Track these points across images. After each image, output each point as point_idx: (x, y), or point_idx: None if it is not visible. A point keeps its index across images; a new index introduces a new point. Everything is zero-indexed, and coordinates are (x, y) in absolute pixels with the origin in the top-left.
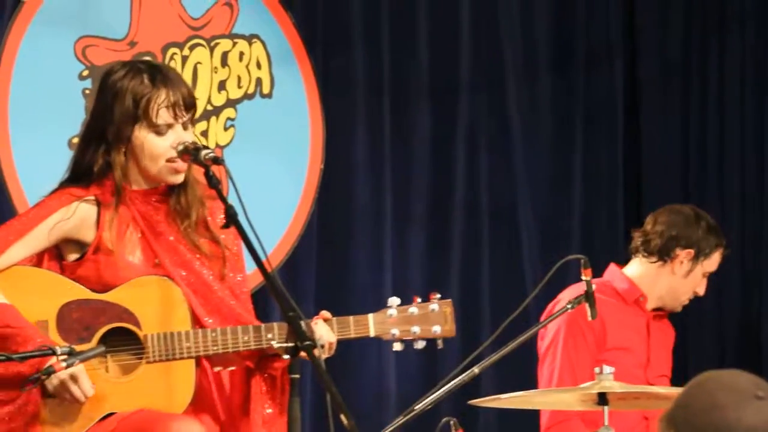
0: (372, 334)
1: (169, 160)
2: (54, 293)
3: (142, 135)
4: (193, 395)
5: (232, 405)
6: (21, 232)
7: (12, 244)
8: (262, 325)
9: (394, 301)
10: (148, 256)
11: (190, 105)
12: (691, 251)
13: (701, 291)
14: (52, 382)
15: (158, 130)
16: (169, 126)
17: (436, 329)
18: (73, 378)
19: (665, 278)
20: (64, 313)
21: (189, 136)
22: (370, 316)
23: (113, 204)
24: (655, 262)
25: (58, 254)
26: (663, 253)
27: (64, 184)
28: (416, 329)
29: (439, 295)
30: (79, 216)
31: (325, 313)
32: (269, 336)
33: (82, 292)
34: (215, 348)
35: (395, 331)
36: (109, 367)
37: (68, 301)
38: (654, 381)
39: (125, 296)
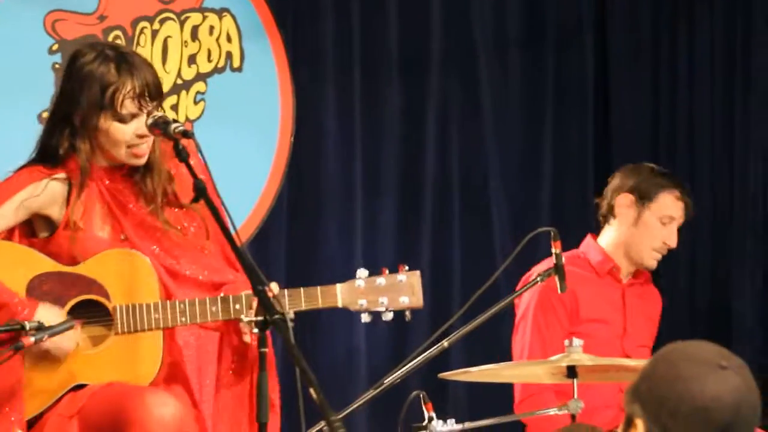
0: (340, 304)
1: (129, 146)
2: (24, 265)
3: (107, 123)
4: (160, 366)
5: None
6: None
7: None
8: (231, 296)
9: (362, 272)
10: (117, 231)
11: (156, 94)
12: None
13: (670, 241)
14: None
15: (122, 119)
16: (134, 116)
17: (404, 300)
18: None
19: (619, 234)
20: (34, 284)
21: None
22: (338, 286)
23: (81, 180)
24: (610, 223)
25: (29, 231)
26: (610, 209)
27: (33, 162)
28: (384, 300)
29: (407, 267)
30: (49, 192)
31: (274, 286)
32: (237, 306)
33: (52, 265)
34: (183, 320)
35: (363, 302)
36: (79, 339)
37: (38, 274)
38: (632, 352)
39: (94, 268)
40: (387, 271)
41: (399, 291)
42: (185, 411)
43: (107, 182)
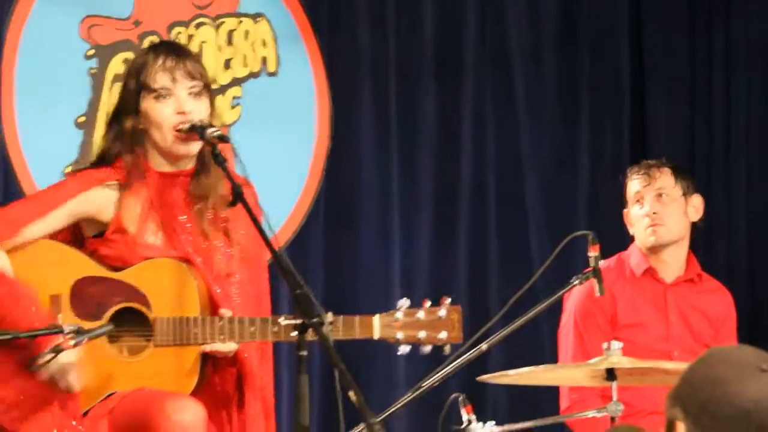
0: (376, 336)
1: (176, 129)
2: (69, 268)
3: (146, 104)
4: (197, 381)
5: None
6: (40, 211)
7: (30, 223)
8: (270, 318)
9: (403, 303)
10: (168, 238)
11: (194, 72)
12: (625, 209)
13: (650, 209)
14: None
15: (158, 95)
16: (168, 91)
17: (443, 335)
18: (63, 371)
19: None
20: (78, 288)
21: (194, 105)
22: (376, 318)
23: (132, 185)
24: None
25: (77, 230)
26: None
27: (86, 167)
28: (422, 334)
29: (449, 300)
30: (99, 199)
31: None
32: (275, 329)
33: (97, 269)
34: (222, 337)
35: (400, 335)
36: (118, 347)
37: (83, 277)
38: (679, 354)
39: (139, 276)
40: (428, 304)
41: (438, 326)
42: (205, 416)
43: (160, 188)
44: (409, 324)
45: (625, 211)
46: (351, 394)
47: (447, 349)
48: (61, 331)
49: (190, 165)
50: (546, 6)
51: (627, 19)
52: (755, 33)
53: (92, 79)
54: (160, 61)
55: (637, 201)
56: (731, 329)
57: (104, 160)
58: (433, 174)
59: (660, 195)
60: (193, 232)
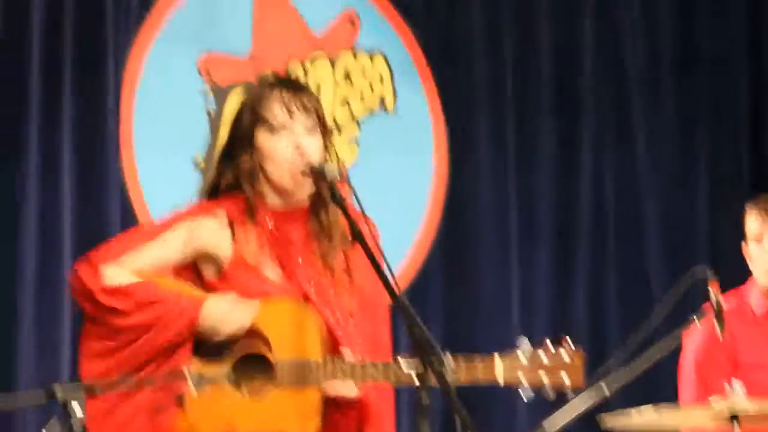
0: (501, 381)
1: (293, 163)
2: None
3: (262, 138)
4: (320, 424)
5: None
6: (151, 234)
7: (141, 245)
8: (396, 365)
9: (524, 342)
10: (287, 276)
11: (310, 107)
12: (744, 243)
13: (766, 253)
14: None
15: (273, 129)
16: (285, 126)
17: (566, 379)
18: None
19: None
20: None
21: (310, 140)
22: (497, 359)
23: (246, 219)
24: None
25: (196, 274)
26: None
27: (197, 199)
28: (545, 378)
29: (570, 343)
30: (210, 230)
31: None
32: (395, 373)
33: None
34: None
35: (524, 378)
36: (242, 388)
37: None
38: None
39: (260, 317)
40: (549, 344)
41: (561, 369)
42: None
43: (277, 224)
44: (532, 366)
45: (744, 245)
46: None
47: (571, 395)
48: (183, 378)
49: (303, 203)
50: (663, 32)
51: (746, 42)
52: None
53: (210, 119)
54: (276, 94)
55: (757, 239)
56: None
57: (214, 193)
58: (552, 206)
59: None
60: (313, 270)
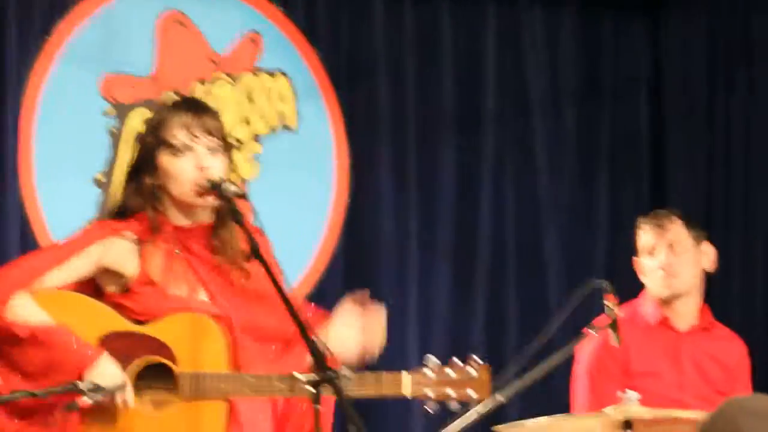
0: (408, 395)
1: (196, 184)
2: (96, 321)
3: (165, 160)
4: None
5: None
6: (59, 259)
7: (48, 271)
8: (299, 375)
9: (431, 359)
10: (193, 290)
11: (212, 129)
12: (636, 258)
13: (664, 265)
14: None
15: (176, 150)
16: (187, 147)
17: (472, 394)
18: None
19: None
20: (104, 343)
21: (213, 161)
22: (405, 375)
23: (153, 238)
24: None
25: (95, 286)
26: None
27: (103, 218)
28: (451, 392)
29: (478, 360)
30: (118, 249)
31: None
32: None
33: (123, 324)
34: (249, 392)
35: (431, 393)
36: (143, 401)
37: (109, 332)
38: (694, 403)
39: (164, 331)
40: (456, 361)
41: (467, 384)
42: None
43: (179, 240)
44: (440, 382)
45: (635, 259)
46: None
47: (474, 406)
48: (76, 389)
49: (206, 219)
50: (565, 58)
51: (648, 71)
52: None
53: (111, 138)
54: (178, 117)
55: (649, 252)
56: (746, 377)
57: (122, 214)
58: (453, 227)
59: (672, 246)
60: (216, 285)
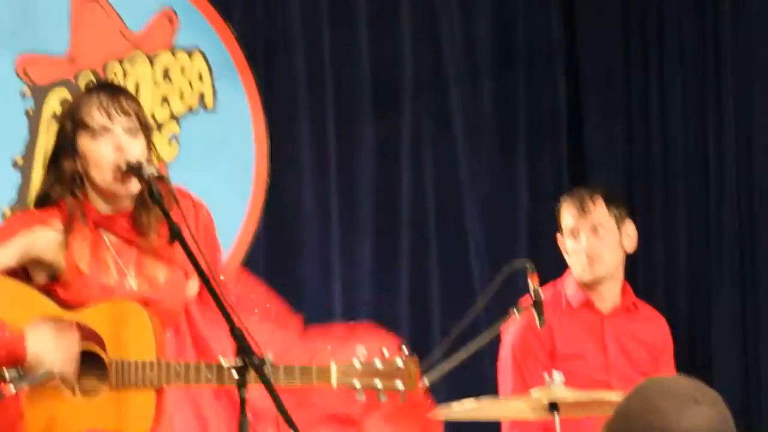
0: (334, 385)
1: (115, 164)
2: (25, 306)
3: (84, 143)
4: (151, 425)
5: None
6: None
7: None
8: (227, 365)
9: (360, 350)
10: (121, 275)
11: (128, 110)
12: (559, 234)
13: (588, 249)
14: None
15: (94, 134)
16: (106, 129)
17: (399, 385)
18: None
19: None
20: None
21: (131, 143)
22: (333, 365)
23: (78, 226)
24: None
25: (25, 276)
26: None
27: (27, 208)
28: (379, 384)
29: (406, 352)
30: (44, 239)
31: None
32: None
33: (53, 309)
34: (178, 381)
35: (357, 384)
36: (75, 389)
37: (39, 317)
38: (620, 384)
39: (94, 318)
40: (385, 352)
41: (395, 376)
42: None
43: (104, 227)
44: (367, 373)
45: (559, 236)
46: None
47: (401, 397)
48: (2, 377)
49: (129, 206)
50: (480, 31)
51: (563, 43)
52: (690, 58)
53: (29, 119)
54: (95, 99)
55: (572, 234)
56: (669, 357)
57: (44, 202)
58: (373, 202)
59: (595, 229)
60: (141, 270)
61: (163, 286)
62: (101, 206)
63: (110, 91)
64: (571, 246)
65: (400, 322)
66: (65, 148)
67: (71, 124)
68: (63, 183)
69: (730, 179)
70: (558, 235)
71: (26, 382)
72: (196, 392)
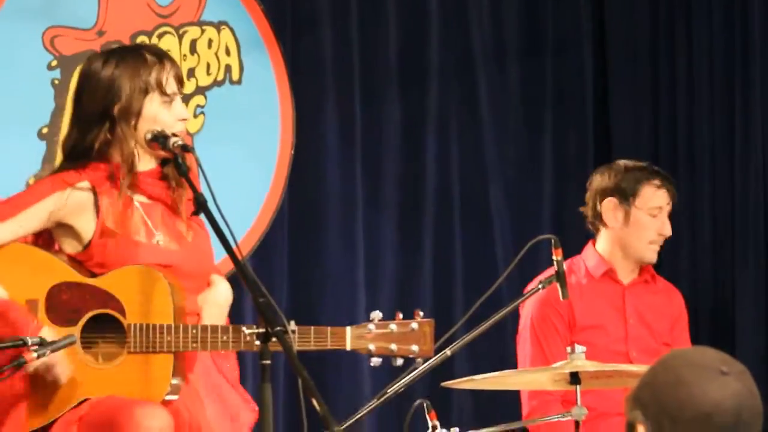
0: (348, 347)
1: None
2: (46, 273)
3: (154, 107)
4: (168, 388)
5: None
6: (11, 212)
7: (3, 221)
8: (243, 327)
9: (375, 315)
10: (149, 235)
11: (182, 81)
12: (613, 198)
13: (664, 231)
14: (28, 369)
15: (168, 99)
16: (174, 97)
17: (414, 348)
18: (47, 367)
19: (612, 237)
20: (53, 293)
21: (188, 113)
22: (349, 329)
23: (109, 187)
24: (601, 229)
25: (51, 242)
26: (596, 216)
27: (58, 170)
28: (394, 347)
29: (422, 313)
30: (73, 202)
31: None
32: (248, 339)
33: (72, 275)
34: (194, 345)
35: (372, 347)
36: (93, 354)
37: (58, 282)
38: (638, 355)
39: (113, 283)
40: (401, 316)
41: (410, 339)
42: (172, 423)
43: (141, 186)
44: (382, 336)
45: (614, 201)
46: (315, 402)
47: (419, 362)
48: (24, 344)
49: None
50: (509, 13)
51: (590, 25)
52: (717, 38)
53: (55, 90)
54: (168, 66)
55: (653, 215)
56: (684, 328)
57: (80, 158)
58: (398, 181)
59: (668, 215)
60: (168, 228)
61: (191, 245)
62: (142, 166)
63: (170, 58)
64: (651, 223)
65: (424, 299)
66: (131, 106)
67: (142, 84)
68: (113, 140)
69: (757, 160)
70: (606, 200)
71: (50, 347)
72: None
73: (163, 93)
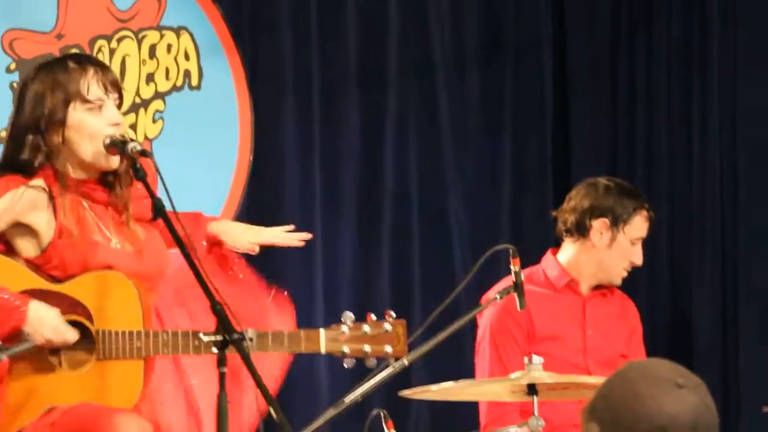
0: (323, 350)
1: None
2: (12, 280)
3: (78, 115)
4: (140, 395)
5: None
6: None
7: None
8: (204, 337)
9: (348, 316)
10: (105, 237)
11: (115, 85)
12: (606, 220)
13: (637, 260)
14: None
15: (92, 106)
16: (102, 103)
17: (388, 349)
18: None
19: (590, 254)
20: None
21: (121, 117)
22: (322, 331)
23: (60, 190)
24: (576, 241)
25: (8, 248)
26: (579, 229)
27: (4, 172)
28: (368, 348)
29: (394, 315)
30: (28, 200)
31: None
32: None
33: (38, 282)
34: (165, 351)
35: (346, 349)
36: (61, 360)
37: (24, 290)
38: (597, 367)
39: (79, 289)
40: (373, 317)
41: (384, 340)
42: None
43: (84, 192)
44: (355, 338)
45: (605, 222)
46: (271, 410)
47: (392, 362)
48: None
49: (97, 173)
50: (469, 18)
51: (550, 31)
52: (676, 46)
53: (13, 93)
54: (91, 73)
55: (633, 243)
56: (639, 339)
57: (23, 168)
58: (357, 186)
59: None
60: (120, 231)
61: (144, 245)
62: (77, 173)
63: (99, 64)
64: (629, 251)
65: (382, 305)
66: (53, 118)
67: (63, 95)
68: (49, 152)
69: (714, 169)
70: (600, 219)
71: (6, 352)
72: (182, 363)
73: (84, 101)
